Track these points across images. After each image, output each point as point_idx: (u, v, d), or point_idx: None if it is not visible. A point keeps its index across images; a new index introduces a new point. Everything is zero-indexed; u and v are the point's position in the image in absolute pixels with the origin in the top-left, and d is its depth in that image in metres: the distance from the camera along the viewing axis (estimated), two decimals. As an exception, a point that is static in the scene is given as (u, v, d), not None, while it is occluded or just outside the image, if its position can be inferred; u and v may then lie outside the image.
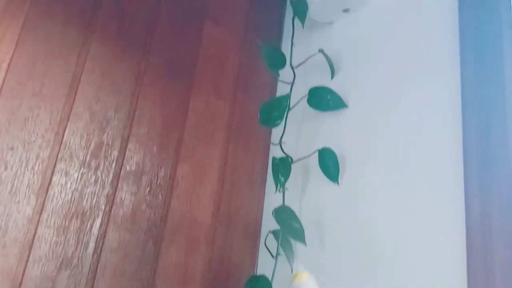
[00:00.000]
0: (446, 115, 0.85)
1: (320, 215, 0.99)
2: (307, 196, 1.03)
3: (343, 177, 0.97)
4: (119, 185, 0.94)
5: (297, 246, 1.00)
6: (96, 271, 0.86)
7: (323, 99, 1.00)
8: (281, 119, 1.00)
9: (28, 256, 0.80)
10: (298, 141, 1.09)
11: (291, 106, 1.05)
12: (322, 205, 0.99)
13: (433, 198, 0.82)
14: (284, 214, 0.94)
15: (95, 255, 0.87)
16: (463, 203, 0.76)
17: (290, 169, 1.01)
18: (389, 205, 0.88)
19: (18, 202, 0.81)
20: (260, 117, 1.00)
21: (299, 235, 0.92)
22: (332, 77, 1.06)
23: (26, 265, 0.79)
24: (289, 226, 0.93)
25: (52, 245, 0.83)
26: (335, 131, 1.02)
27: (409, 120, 0.91)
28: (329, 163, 0.94)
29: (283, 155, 1.05)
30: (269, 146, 1.16)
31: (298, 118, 1.10)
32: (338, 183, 0.96)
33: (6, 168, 0.81)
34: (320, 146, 1.00)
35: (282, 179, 0.99)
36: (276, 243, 1.01)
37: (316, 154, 0.99)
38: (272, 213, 0.97)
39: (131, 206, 0.94)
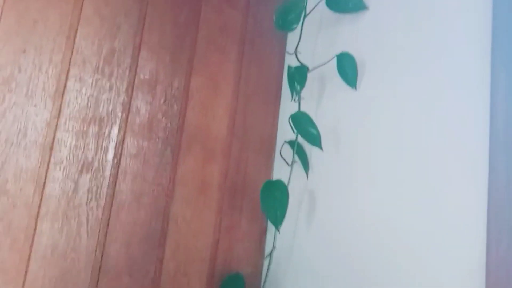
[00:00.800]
0: (475, 15, 0.81)
1: (336, 122, 0.98)
2: (323, 105, 1.02)
3: (361, 83, 0.95)
4: (134, 94, 0.93)
5: (312, 153, 1.01)
6: (117, 175, 0.88)
7: (342, 1, 0.95)
8: (298, 23, 0.96)
9: (49, 158, 0.81)
10: (315, 49, 1.05)
11: (307, 11, 1.00)
12: (339, 113, 0.98)
13: (457, 96, 0.80)
14: (301, 120, 0.93)
15: (115, 160, 0.88)
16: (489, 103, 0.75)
17: (306, 78, 0.99)
18: (410, 110, 0.86)
19: (35, 105, 0.80)
20: (276, 21, 0.96)
21: (316, 140, 0.92)
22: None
23: (48, 166, 0.81)
24: (306, 131, 0.93)
25: (72, 148, 0.83)
26: (354, 36, 0.98)
27: (434, 24, 0.87)
28: (347, 68, 0.92)
29: (299, 64, 1.02)
30: (284, 56, 1.13)
31: (315, 25, 1.06)
32: (356, 88, 0.94)
33: (20, 71, 0.80)
34: (338, 52, 0.96)
35: (298, 87, 0.97)
36: (291, 153, 1.01)
37: (333, 62, 0.96)
38: (289, 120, 0.96)
39: (147, 115, 0.94)
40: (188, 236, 0.96)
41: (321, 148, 0.94)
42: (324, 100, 1.02)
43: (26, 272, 0.78)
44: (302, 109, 1.01)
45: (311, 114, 1.01)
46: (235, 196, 1.05)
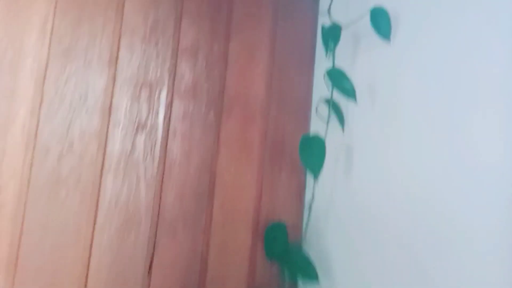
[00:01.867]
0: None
1: (371, 78, 1.01)
2: (357, 62, 1.05)
3: (396, 38, 0.97)
4: (178, 60, 1.00)
5: (348, 110, 1.05)
6: (167, 136, 0.96)
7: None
8: (330, -18, 0.99)
9: (109, 120, 0.90)
10: (348, 6, 1.08)
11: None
12: (373, 69, 1.01)
13: (495, 49, 0.81)
14: (336, 75, 0.98)
15: (165, 122, 0.96)
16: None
17: (340, 36, 1.02)
18: (446, 64, 0.88)
19: (93, 73, 0.89)
20: (308, -18, 0.99)
21: (351, 93, 0.96)
22: None
23: (108, 128, 0.90)
24: (341, 85, 0.97)
25: (127, 111, 0.92)
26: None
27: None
28: (381, 22, 0.94)
29: (332, 23, 1.05)
30: (317, 16, 1.17)
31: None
32: (390, 41, 0.97)
33: (77, 42, 0.88)
34: (371, 8, 0.99)
35: (332, 45, 1.01)
36: (327, 110, 1.06)
37: (367, 18, 0.99)
38: (324, 76, 1.00)
39: (191, 80, 1.01)
40: (234, 190, 1.04)
41: (355, 101, 0.97)
42: (358, 57, 1.05)
43: (94, 223, 0.88)
44: (336, 66, 1.04)
45: (346, 71, 1.05)
46: (275, 153, 1.12)
